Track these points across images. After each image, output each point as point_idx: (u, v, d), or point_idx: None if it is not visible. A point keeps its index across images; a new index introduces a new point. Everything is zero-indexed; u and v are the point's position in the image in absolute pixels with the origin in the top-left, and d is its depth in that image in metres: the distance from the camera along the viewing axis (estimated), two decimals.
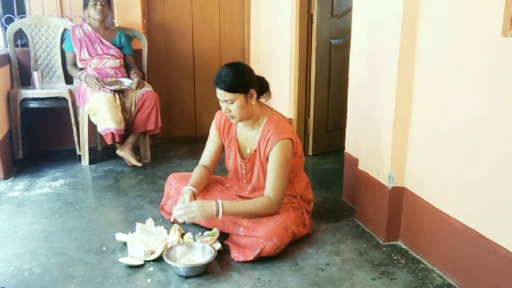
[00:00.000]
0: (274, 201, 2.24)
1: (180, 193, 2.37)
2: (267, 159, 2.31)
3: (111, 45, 3.76)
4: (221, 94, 2.23)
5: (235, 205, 2.27)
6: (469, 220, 1.91)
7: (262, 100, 2.43)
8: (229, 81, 2.18)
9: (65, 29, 3.86)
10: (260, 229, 2.19)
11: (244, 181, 2.48)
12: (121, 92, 3.64)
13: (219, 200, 2.21)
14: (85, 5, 3.72)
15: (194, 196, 2.33)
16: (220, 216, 2.19)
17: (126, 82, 3.68)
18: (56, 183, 3.31)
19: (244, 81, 2.22)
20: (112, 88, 3.56)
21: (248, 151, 2.41)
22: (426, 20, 2.11)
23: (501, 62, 1.69)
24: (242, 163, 2.43)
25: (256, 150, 2.36)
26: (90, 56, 3.69)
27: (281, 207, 2.29)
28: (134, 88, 3.62)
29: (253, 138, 2.38)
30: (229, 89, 2.19)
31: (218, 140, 2.53)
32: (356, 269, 2.15)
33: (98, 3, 3.63)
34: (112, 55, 3.74)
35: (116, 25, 4.10)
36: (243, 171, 2.45)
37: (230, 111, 2.26)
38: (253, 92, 2.26)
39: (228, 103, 2.23)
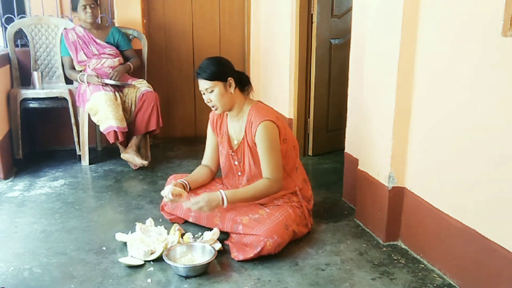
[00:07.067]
0: (273, 180, 2.33)
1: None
2: (255, 144, 2.37)
3: (105, 44, 3.75)
4: (201, 83, 2.35)
5: (239, 192, 2.37)
6: (469, 220, 1.91)
7: (250, 96, 2.51)
8: (208, 70, 2.32)
9: (65, 29, 3.86)
10: (260, 227, 2.20)
11: (239, 173, 2.51)
12: (121, 92, 3.65)
13: (221, 191, 2.31)
14: (74, 9, 3.72)
15: (183, 187, 2.47)
16: (225, 205, 2.28)
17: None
18: (56, 183, 3.31)
19: (222, 69, 2.34)
20: (110, 82, 3.55)
21: (236, 142, 2.47)
22: (426, 19, 2.11)
23: (501, 62, 1.69)
24: (233, 154, 2.50)
25: (244, 138, 2.43)
26: (88, 57, 3.69)
27: (282, 185, 2.37)
28: (110, 78, 3.58)
29: (240, 128, 2.45)
30: (208, 77, 2.31)
31: (214, 138, 2.61)
32: (356, 269, 2.15)
33: (88, 6, 3.62)
34: (109, 54, 3.73)
35: (116, 24, 4.09)
36: (236, 162, 2.50)
37: (211, 101, 2.37)
38: (231, 81, 2.35)
39: (208, 91, 2.34)
